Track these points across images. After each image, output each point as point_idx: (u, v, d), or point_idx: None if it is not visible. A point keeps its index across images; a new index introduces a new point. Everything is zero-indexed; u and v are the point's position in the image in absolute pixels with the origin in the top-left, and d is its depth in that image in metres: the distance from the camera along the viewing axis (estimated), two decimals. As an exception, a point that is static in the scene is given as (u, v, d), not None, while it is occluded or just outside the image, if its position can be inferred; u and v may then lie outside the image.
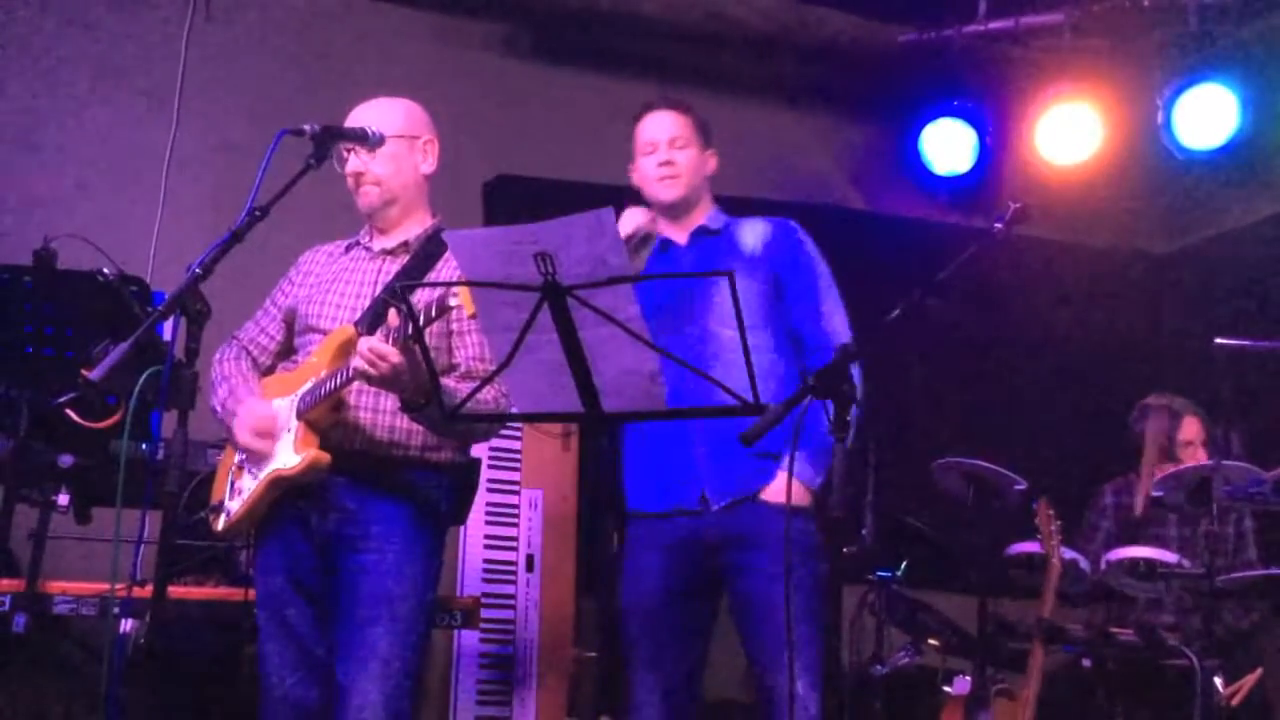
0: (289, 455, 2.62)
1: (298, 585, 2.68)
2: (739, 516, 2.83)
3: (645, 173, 3.02)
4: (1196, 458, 4.18)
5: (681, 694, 2.85)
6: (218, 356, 2.87)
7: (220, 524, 2.77)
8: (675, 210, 3.03)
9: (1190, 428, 4.26)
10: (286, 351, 2.88)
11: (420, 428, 2.66)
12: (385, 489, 2.65)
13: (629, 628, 2.85)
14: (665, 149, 2.98)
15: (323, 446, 2.60)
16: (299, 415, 2.63)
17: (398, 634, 2.59)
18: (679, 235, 3.04)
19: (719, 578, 2.87)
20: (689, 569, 2.87)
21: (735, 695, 4.03)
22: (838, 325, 2.96)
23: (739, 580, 2.82)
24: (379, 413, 2.66)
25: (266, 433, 2.66)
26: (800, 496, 2.71)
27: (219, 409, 2.78)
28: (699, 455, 2.85)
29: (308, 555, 2.68)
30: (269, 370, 2.88)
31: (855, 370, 2.78)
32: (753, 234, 3.03)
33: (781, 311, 2.95)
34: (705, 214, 3.06)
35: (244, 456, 2.75)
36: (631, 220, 2.90)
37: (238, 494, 2.73)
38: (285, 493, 2.65)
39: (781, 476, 2.74)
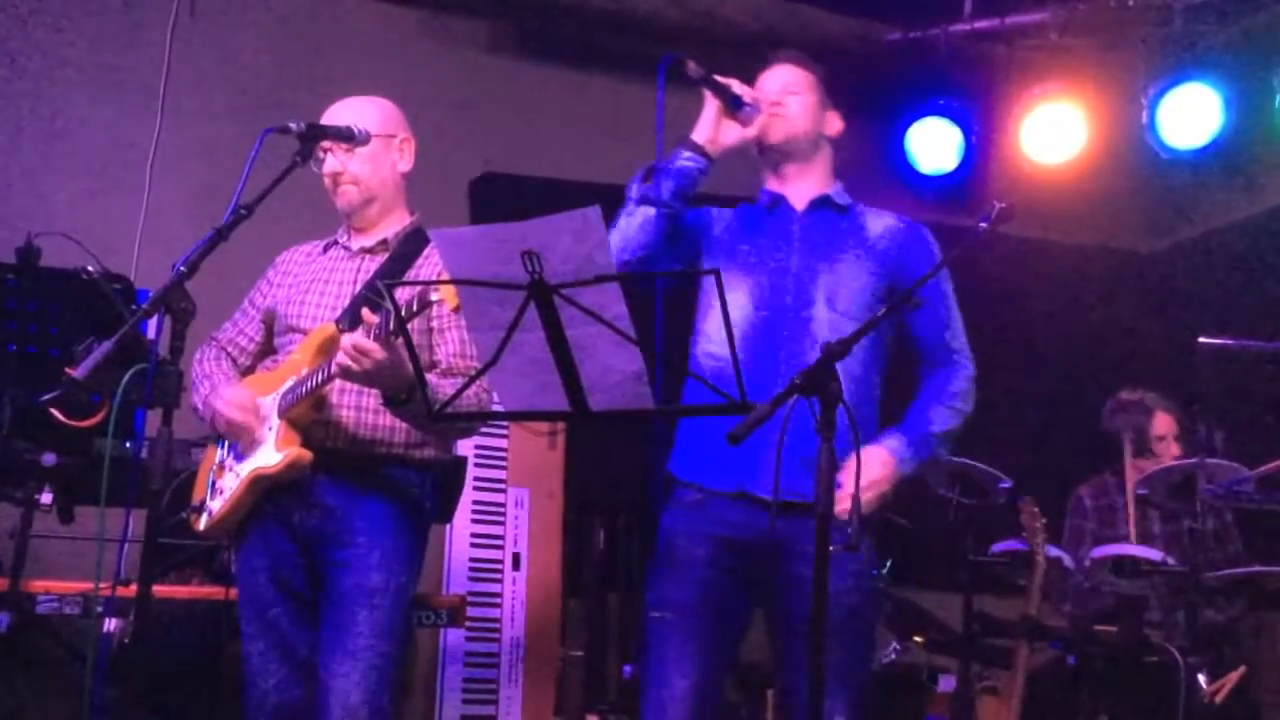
0: (270, 454, 2.61)
1: (280, 584, 2.68)
2: (805, 523, 2.34)
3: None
4: (1171, 452, 4.20)
5: (709, 702, 2.52)
6: (197, 357, 2.86)
7: (202, 524, 2.76)
8: (783, 159, 2.71)
9: (1162, 423, 4.28)
10: (266, 352, 2.88)
11: (403, 425, 2.65)
12: (367, 486, 2.65)
13: (665, 622, 2.54)
14: (777, 94, 2.69)
15: (305, 444, 2.60)
16: (280, 414, 2.63)
17: (379, 631, 2.59)
18: (795, 198, 2.72)
19: (769, 588, 2.55)
20: (737, 573, 2.54)
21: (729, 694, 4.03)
22: (963, 340, 2.74)
23: (792, 600, 2.48)
24: (361, 411, 2.66)
25: (249, 409, 2.65)
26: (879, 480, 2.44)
27: (200, 405, 2.77)
28: (774, 441, 2.34)
29: (291, 554, 2.67)
30: (249, 370, 2.87)
31: (969, 384, 2.68)
32: (880, 224, 2.72)
33: (893, 315, 2.63)
34: (830, 185, 2.75)
35: (225, 456, 2.74)
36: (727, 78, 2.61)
37: (219, 494, 2.73)
38: (267, 491, 2.65)
39: (874, 450, 2.46)
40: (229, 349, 2.88)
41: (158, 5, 4.61)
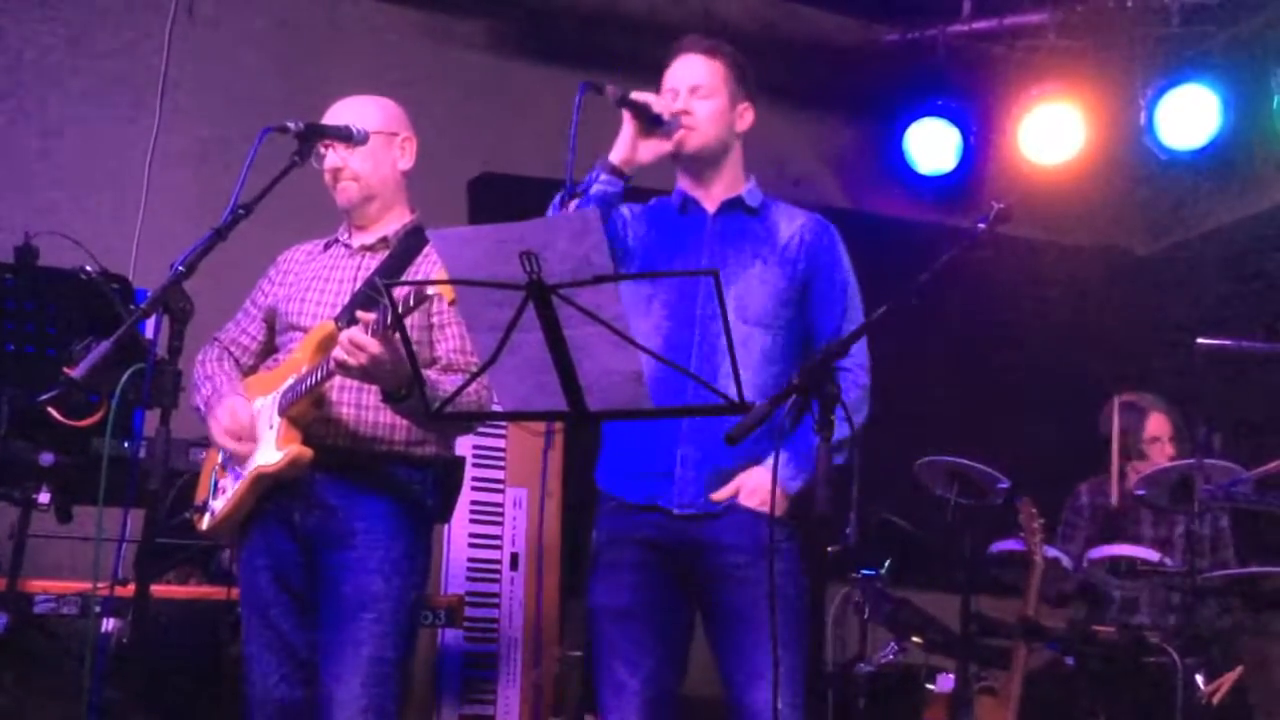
0: (271, 452, 2.61)
1: (282, 584, 2.67)
2: (719, 523, 2.60)
3: None
4: (1165, 453, 4.20)
5: (664, 704, 2.62)
6: (200, 358, 2.86)
7: (204, 524, 2.76)
8: (696, 166, 2.72)
9: (1156, 423, 4.27)
10: (268, 351, 2.88)
11: (403, 422, 2.65)
12: (369, 485, 2.65)
13: (605, 627, 2.63)
14: (685, 97, 2.67)
15: (305, 442, 2.60)
16: (281, 412, 2.63)
17: (382, 633, 2.58)
18: (706, 200, 2.74)
19: (696, 583, 2.64)
20: (667, 571, 2.64)
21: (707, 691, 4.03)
22: (860, 347, 2.72)
23: (717, 591, 2.60)
24: (362, 408, 2.66)
25: (243, 435, 2.65)
26: (777, 503, 2.51)
27: (201, 407, 2.77)
28: (683, 454, 2.62)
29: (291, 553, 2.67)
30: (251, 370, 2.87)
31: (861, 393, 2.69)
32: (790, 224, 2.73)
33: (802, 317, 2.71)
34: (741, 183, 2.75)
35: (226, 456, 2.74)
36: (644, 95, 2.62)
37: (221, 493, 2.73)
38: (269, 490, 2.65)
39: (754, 472, 2.56)
40: (231, 349, 2.88)
41: (156, 5, 4.61)
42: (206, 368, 2.83)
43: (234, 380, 2.80)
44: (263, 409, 2.69)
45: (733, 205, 2.74)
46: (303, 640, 2.66)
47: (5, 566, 3.07)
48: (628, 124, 2.61)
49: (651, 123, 2.60)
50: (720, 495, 2.59)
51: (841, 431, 2.56)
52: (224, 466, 2.75)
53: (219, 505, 2.72)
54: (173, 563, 3.33)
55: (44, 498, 3.11)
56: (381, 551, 2.62)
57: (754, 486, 2.57)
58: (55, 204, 4.33)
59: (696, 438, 2.61)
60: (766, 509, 2.52)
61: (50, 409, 3.04)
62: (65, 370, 2.34)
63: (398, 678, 2.62)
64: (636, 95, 2.58)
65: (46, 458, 3.09)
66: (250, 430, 2.66)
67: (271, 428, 2.64)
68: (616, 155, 2.61)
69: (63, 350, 3.02)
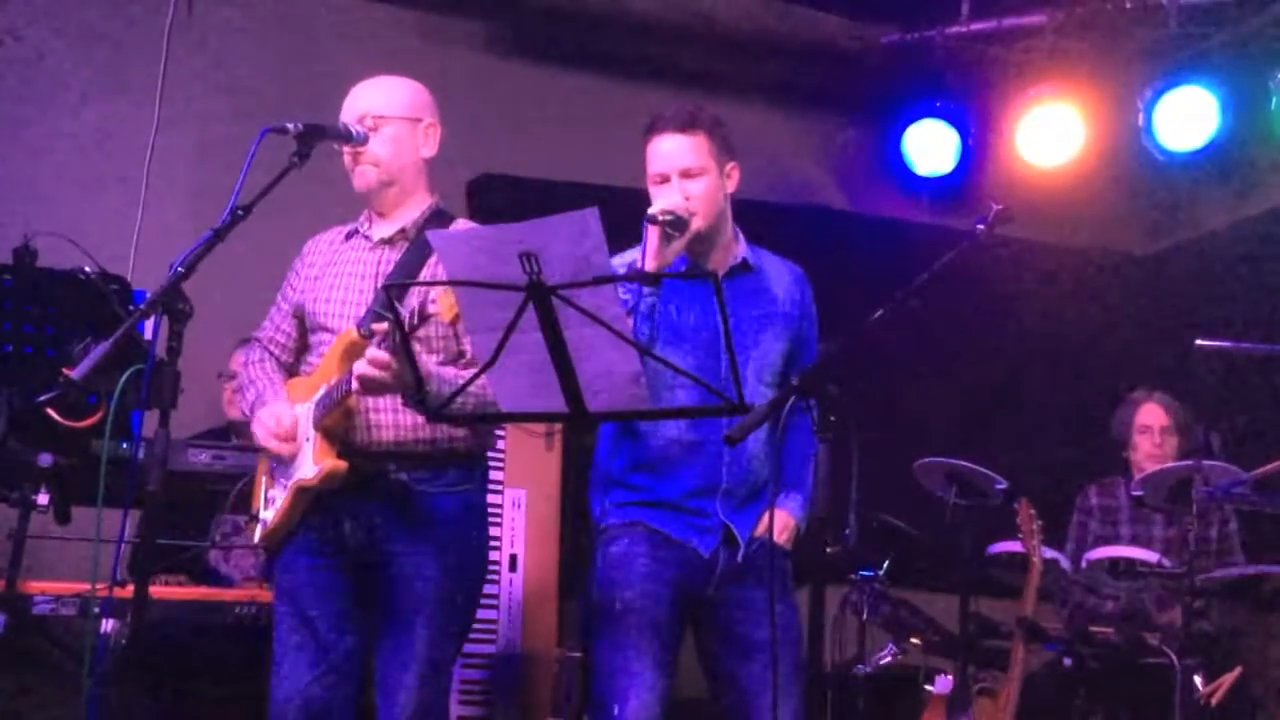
0: (308, 465, 2.62)
1: (324, 588, 2.67)
2: (749, 561, 2.75)
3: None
4: (1152, 443, 4.21)
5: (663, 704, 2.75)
6: (242, 360, 2.87)
7: (257, 535, 2.77)
8: (700, 239, 2.75)
9: (1147, 413, 4.27)
10: (303, 346, 2.85)
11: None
12: (414, 490, 2.65)
13: (637, 629, 2.68)
14: (677, 183, 2.69)
15: (347, 449, 2.60)
16: (315, 425, 2.63)
17: (438, 635, 2.62)
18: (714, 264, 2.82)
19: (706, 608, 2.77)
20: (693, 593, 2.75)
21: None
22: None
23: (735, 617, 2.75)
24: (399, 412, 2.65)
25: (287, 436, 2.66)
26: (789, 535, 2.78)
27: (247, 412, 2.78)
28: (721, 505, 2.74)
29: (335, 555, 2.67)
30: (291, 367, 2.86)
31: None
32: (779, 281, 2.85)
33: (790, 367, 2.83)
34: (738, 244, 2.83)
35: (274, 465, 2.75)
36: (668, 199, 2.65)
37: (270, 504, 2.74)
38: (314, 500, 2.65)
39: (780, 513, 2.76)
40: (270, 347, 2.86)
41: (155, 5, 4.61)
42: (250, 371, 2.82)
43: (276, 384, 2.78)
44: (302, 416, 2.69)
45: (738, 269, 2.82)
46: (340, 644, 2.66)
47: (4, 568, 3.07)
48: (653, 237, 2.62)
49: (675, 228, 2.62)
50: (759, 531, 2.75)
51: (814, 476, 2.83)
52: (273, 476, 2.75)
53: (270, 516, 2.73)
54: (166, 565, 3.32)
55: (43, 499, 3.11)
56: (433, 555, 2.63)
57: (783, 525, 2.77)
58: (54, 204, 4.33)
59: (733, 480, 2.75)
60: (786, 545, 2.77)
61: (49, 410, 3.03)
62: (64, 371, 2.33)
63: (448, 676, 2.70)
64: (660, 212, 2.60)
65: (45, 459, 3.08)
66: (293, 433, 2.66)
67: (309, 440, 2.65)
68: (650, 265, 2.63)
69: (62, 351, 3.02)
